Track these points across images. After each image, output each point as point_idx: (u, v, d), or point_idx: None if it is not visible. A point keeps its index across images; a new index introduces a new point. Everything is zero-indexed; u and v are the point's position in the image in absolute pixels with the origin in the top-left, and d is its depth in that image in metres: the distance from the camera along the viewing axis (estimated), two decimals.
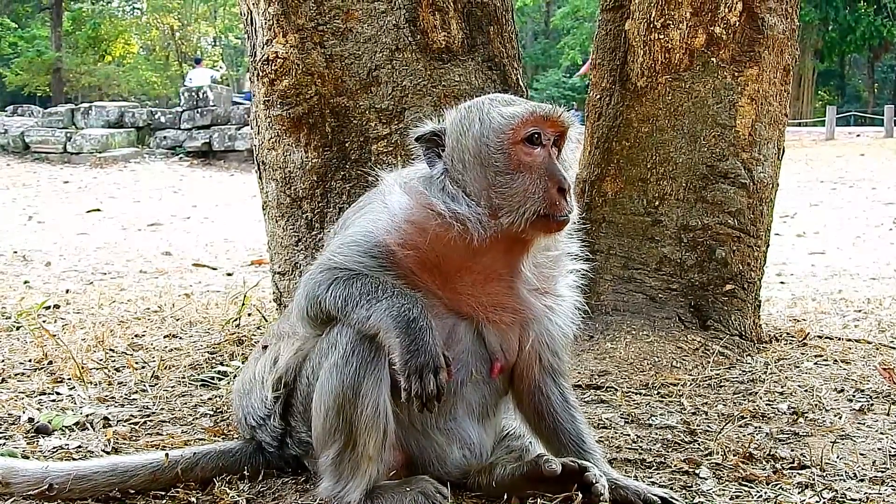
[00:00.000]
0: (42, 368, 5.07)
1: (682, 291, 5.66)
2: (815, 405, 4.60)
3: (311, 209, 5.22)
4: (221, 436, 3.99)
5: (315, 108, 5.12)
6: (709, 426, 4.23)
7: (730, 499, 3.34)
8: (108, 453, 3.74)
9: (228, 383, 4.81)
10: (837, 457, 3.78)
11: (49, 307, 7.03)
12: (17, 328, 6.15)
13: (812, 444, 3.96)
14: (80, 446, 3.81)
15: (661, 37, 5.66)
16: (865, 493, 3.40)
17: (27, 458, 3.60)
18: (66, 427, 4.05)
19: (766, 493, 3.38)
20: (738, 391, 4.87)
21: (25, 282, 9.06)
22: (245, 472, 3.42)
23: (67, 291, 8.28)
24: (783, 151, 5.97)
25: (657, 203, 5.69)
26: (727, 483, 3.49)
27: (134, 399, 4.58)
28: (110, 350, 5.49)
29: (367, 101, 5.08)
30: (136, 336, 5.99)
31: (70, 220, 17.58)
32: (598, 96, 5.98)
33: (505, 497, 3.16)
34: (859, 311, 7.58)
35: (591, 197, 5.84)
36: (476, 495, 3.27)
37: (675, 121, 5.67)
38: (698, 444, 3.97)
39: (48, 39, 56.87)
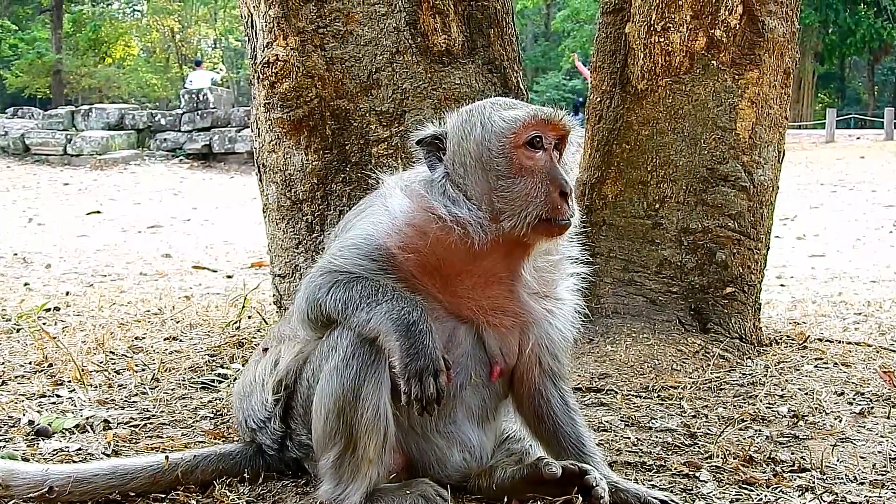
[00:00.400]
0: (42, 371, 5.07)
1: (683, 294, 5.66)
2: (816, 408, 4.60)
3: (311, 212, 5.22)
4: (221, 438, 4.00)
5: (315, 110, 5.12)
6: (709, 429, 4.23)
7: (730, 502, 3.35)
8: (108, 456, 3.74)
9: (229, 386, 4.81)
10: (837, 460, 3.78)
11: (49, 309, 7.03)
12: (18, 330, 6.15)
13: (812, 447, 3.96)
14: (80, 449, 3.82)
15: (662, 40, 5.66)
16: (866, 496, 3.40)
17: (27, 460, 3.60)
18: (66, 429, 4.05)
19: (766, 496, 3.38)
20: (739, 394, 4.87)
21: (25, 284, 9.06)
22: (245, 475, 3.42)
23: (67, 293, 8.28)
24: (783, 154, 5.97)
25: (657, 206, 5.69)
26: (727, 486, 3.49)
27: (134, 401, 4.59)
28: (110, 352, 5.50)
29: (368, 104, 5.09)
30: (136, 338, 5.99)
31: (70, 222, 17.58)
32: (599, 99, 5.99)
33: (505, 500, 3.16)
34: (859, 313, 7.58)
35: (592, 200, 5.84)
36: (476, 498, 3.27)
37: (676, 124, 5.68)
38: (698, 447, 3.97)
39: (48, 41, 56.86)
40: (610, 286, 5.69)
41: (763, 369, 5.35)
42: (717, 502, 3.33)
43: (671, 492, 3.37)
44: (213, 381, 4.98)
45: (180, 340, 6.03)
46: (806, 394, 4.86)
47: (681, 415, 4.48)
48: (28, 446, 3.82)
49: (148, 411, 4.42)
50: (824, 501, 3.33)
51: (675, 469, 3.67)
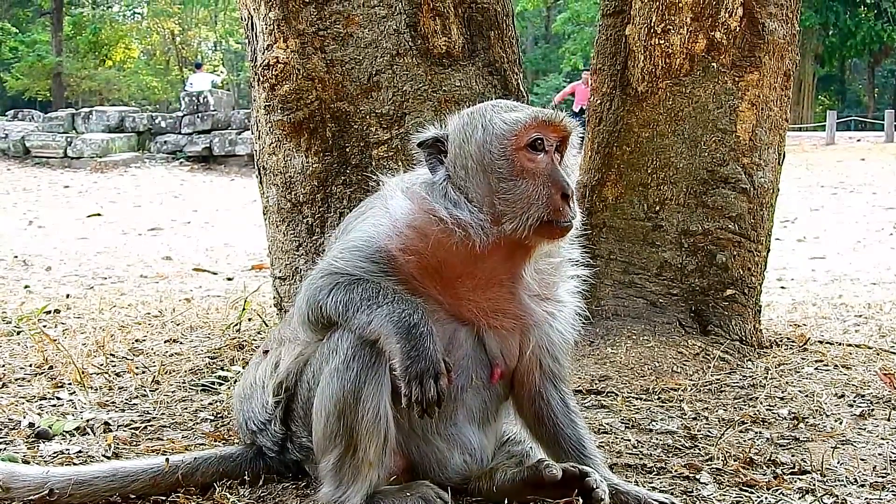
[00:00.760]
0: (42, 373, 5.07)
1: (683, 296, 5.66)
2: (816, 410, 4.60)
3: (311, 214, 5.22)
4: (222, 441, 3.99)
5: (316, 112, 5.12)
6: (709, 431, 4.23)
7: None
8: (108, 458, 3.74)
9: (229, 388, 4.81)
10: (838, 462, 3.78)
11: (49, 312, 7.03)
12: (18, 333, 6.15)
13: (813, 449, 3.96)
14: (80, 451, 3.82)
15: (662, 42, 5.66)
16: (866, 498, 3.40)
17: (28, 462, 3.60)
18: (67, 432, 4.05)
19: (766, 498, 3.38)
20: (739, 396, 4.87)
21: (26, 286, 9.06)
22: (245, 477, 3.42)
23: (68, 296, 8.28)
24: (784, 156, 5.98)
25: (658, 208, 5.69)
26: (728, 488, 3.49)
27: (134, 404, 4.59)
28: (111, 355, 5.50)
29: (368, 106, 5.09)
30: (136, 341, 5.99)
31: (70, 224, 17.59)
32: (599, 101, 5.99)
33: (505, 502, 3.16)
34: (860, 316, 7.58)
35: (592, 202, 5.85)
36: (477, 500, 3.27)
37: (676, 126, 5.68)
38: (699, 449, 3.97)
39: (49, 44, 56.87)
40: (610, 288, 5.69)
41: (763, 371, 5.35)
42: None
43: (671, 494, 3.37)
44: (213, 383, 4.98)
45: (181, 343, 6.03)
46: (806, 396, 4.86)
47: (681, 417, 4.48)
48: (28, 448, 3.82)
49: (148, 413, 4.42)
50: (825, 503, 3.33)
51: (676, 471, 3.67)
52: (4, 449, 3.81)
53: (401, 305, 2.95)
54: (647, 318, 5.61)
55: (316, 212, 5.20)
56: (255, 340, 5.91)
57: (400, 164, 4.86)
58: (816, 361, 5.65)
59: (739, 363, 5.49)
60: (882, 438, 4.15)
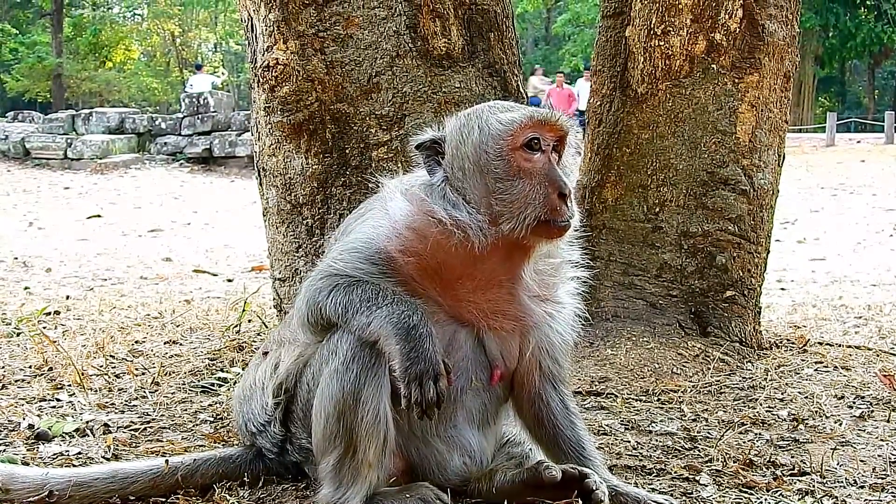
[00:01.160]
0: (42, 375, 5.07)
1: (683, 298, 5.66)
2: (816, 412, 4.60)
3: (311, 215, 5.22)
4: (221, 442, 3.99)
5: (315, 114, 5.12)
6: (709, 433, 4.23)
7: None
8: (108, 460, 3.74)
9: (229, 389, 4.81)
10: (838, 463, 3.78)
11: (49, 313, 7.03)
12: (18, 334, 6.15)
13: (812, 450, 3.96)
14: (80, 453, 3.82)
15: (662, 43, 5.66)
16: (865, 499, 3.40)
17: (27, 464, 3.60)
18: (66, 433, 4.05)
19: (766, 499, 3.38)
20: (739, 398, 4.87)
21: (26, 288, 9.06)
22: (245, 479, 3.43)
23: (68, 297, 8.28)
24: (783, 158, 5.98)
25: (657, 209, 5.69)
26: (727, 490, 3.49)
27: (134, 405, 4.59)
28: (110, 356, 5.49)
29: (368, 108, 5.09)
30: (136, 342, 5.99)
31: (70, 226, 17.59)
32: (599, 103, 5.99)
33: (505, 503, 3.16)
34: (860, 317, 7.58)
35: (592, 203, 5.85)
36: (476, 502, 3.27)
37: (676, 127, 5.68)
38: (699, 450, 3.97)
39: (49, 45, 56.88)
40: (610, 290, 5.69)
41: (763, 373, 5.35)
42: None
43: (671, 495, 3.37)
44: (213, 384, 4.98)
45: (180, 344, 6.02)
46: (806, 397, 4.86)
47: (681, 418, 4.48)
48: (28, 450, 3.82)
49: (148, 415, 4.42)
50: None
51: (676, 473, 3.67)
52: (4, 450, 3.81)
53: (400, 307, 2.95)
54: (646, 320, 5.61)
55: (316, 213, 5.21)
56: (255, 342, 5.91)
57: (400, 165, 4.87)
58: (816, 363, 5.65)
59: (739, 365, 5.49)
60: (882, 440, 4.15)
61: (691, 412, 4.58)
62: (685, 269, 5.65)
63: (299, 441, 3.35)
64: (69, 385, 4.82)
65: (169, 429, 4.23)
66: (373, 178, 3.57)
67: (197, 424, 4.30)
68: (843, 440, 4.14)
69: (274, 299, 5.74)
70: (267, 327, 6.20)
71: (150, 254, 13.18)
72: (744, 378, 5.25)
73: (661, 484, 3.56)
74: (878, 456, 3.91)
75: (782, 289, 9.84)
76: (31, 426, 4.08)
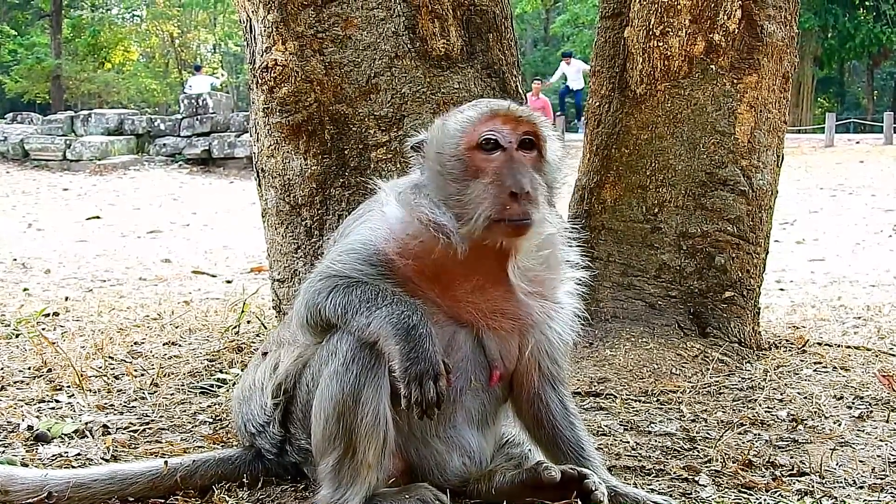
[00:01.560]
0: (41, 376, 5.07)
1: (682, 298, 5.66)
2: (815, 412, 4.60)
3: (310, 216, 5.22)
4: (221, 443, 3.99)
5: (314, 115, 5.12)
6: (708, 433, 4.23)
7: None
8: (107, 461, 3.73)
9: (228, 391, 4.81)
10: (837, 464, 3.78)
11: (48, 315, 7.03)
12: (17, 336, 6.15)
13: (811, 451, 3.96)
14: (79, 454, 3.81)
15: (661, 44, 5.67)
16: (865, 500, 3.40)
17: (26, 465, 3.60)
18: (65, 435, 4.05)
19: (765, 500, 3.38)
20: (738, 398, 4.87)
21: (25, 289, 9.06)
22: (244, 480, 3.42)
23: (67, 299, 8.28)
24: (782, 158, 5.98)
25: (656, 210, 5.69)
26: (726, 490, 3.49)
27: (133, 407, 4.58)
28: (109, 357, 5.49)
29: (367, 109, 5.09)
30: (135, 343, 5.99)
31: (69, 227, 17.59)
32: (598, 103, 5.99)
33: None
34: (859, 317, 7.59)
35: (591, 204, 5.85)
36: (476, 502, 3.26)
37: (675, 128, 5.68)
38: (697, 451, 3.97)
39: (48, 47, 56.83)
40: (609, 290, 5.69)
41: (762, 373, 5.35)
42: None
43: (670, 496, 3.37)
44: (212, 385, 4.97)
45: (179, 345, 6.02)
46: (805, 398, 4.86)
47: (680, 419, 4.48)
48: (27, 451, 3.82)
49: (147, 416, 4.42)
50: None
51: (675, 473, 3.67)
52: (3, 452, 3.81)
53: (400, 307, 2.95)
54: (645, 321, 5.61)
55: (315, 214, 5.21)
56: (254, 343, 5.91)
57: (399, 166, 4.87)
58: (815, 363, 5.65)
59: (738, 365, 5.49)
60: (881, 440, 4.15)
61: (690, 413, 4.58)
62: (684, 270, 5.66)
63: (298, 442, 3.35)
64: (68, 386, 4.82)
65: (168, 430, 4.22)
66: (371, 179, 3.57)
67: (196, 425, 4.30)
68: (843, 440, 4.14)
69: (273, 300, 5.74)
70: (266, 328, 6.20)
71: (149, 255, 13.18)
72: (743, 379, 5.25)
73: (660, 484, 3.56)
74: (878, 456, 3.92)
75: (781, 289, 9.84)
76: (30, 427, 4.08)
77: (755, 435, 4.22)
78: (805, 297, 9.16)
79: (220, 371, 5.26)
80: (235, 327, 6.40)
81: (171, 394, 4.82)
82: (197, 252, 13.88)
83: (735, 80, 5.65)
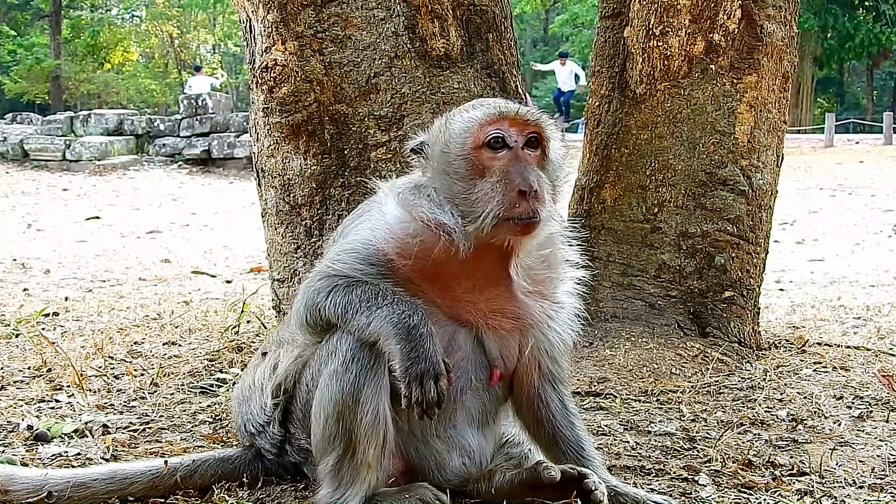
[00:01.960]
0: (41, 376, 5.07)
1: (682, 298, 5.66)
2: (815, 412, 4.60)
3: (310, 216, 5.22)
4: (220, 443, 3.99)
5: (314, 115, 5.12)
6: (708, 433, 4.23)
7: None
8: (107, 461, 3.74)
9: (227, 390, 4.81)
10: (836, 464, 3.78)
11: (48, 315, 7.03)
12: (17, 336, 6.15)
13: (811, 450, 3.96)
14: (79, 453, 3.82)
15: (660, 44, 5.67)
16: (864, 500, 3.40)
17: (26, 465, 3.60)
18: (65, 434, 4.05)
19: (765, 499, 3.38)
20: (738, 398, 4.87)
21: (24, 289, 9.06)
22: (244, 479, 3.42)
23: (66, 299, 8.28)
24: (782, 158, 5.98)
25: (656, 210, 5.69)
26: (726, 490, 3.49)
27: (133, 406, 4.58)
28: (109, 357, 5.49)
29: (366, 109, 5.09)
30: (135, 343, 5.99)
31: (69, 227, 17.58)
32: (598, 103, 5.99)
33: None
34: (858, 318, 7.59)
35: (591, 204, 5.85)
36: (475, 502, 3.26)
37: (674, 128, 5.68)
38: (697, 450, 3.97)
39: (47, 47, 56.83)
40: (609, 290, 5.69)
41: (762, 373, 5.35)
42: None
43: (670, 496, 3.37)
44: (211, 385, 4.97)
45: (179, 345, 6.02)
46: (805, 398, 4.86)
47: (680, 419, 4.48)
48: (27, 451, 3.82)
49: (147, 416, 4.42)
50: None
51: (674, 473, 3.67)
52: (3, 451, 3.81)
53: (400, 307, 2.95)
54: (645, 320, 5.61)
55: (314, 214, 5.21)
56: (254, 343, 5.91)
57: (398, 166, 4.87)
58: (815, 363, 5.65)
59: (738, 365, 5.49)
60: (880, 440, 4.15)
61: (690, 412, 4.58)
62: (684, 270, 5.66)
63: (298, 442, 3.35)
64: (68, 386, 4.82)
65: (168, 429, 4.22)
66: (371, 179, 3.57)
67: (196, 425, 4.30)
68: (842, 440, 4.14)
69: (273, 300, 5.74)
70: (266, 328, 6.20)
71: (149, 255, 13.17)
72: (743, 378, 5.25)
73: (659, 484, 3.56)
74: (877, 456, 3.91)
75: (781, 289, 9.84)
76: (30, 427, 4.08)
77: (755, 435, 4.22)
78: (805, 297, 9.16)
79: (220, 371, 5.26)
80: (235, 327, 6.40)
81: (171, 393, 4.82)
82: (197, 252, 13.88)
83: (735, 80, 5.65)
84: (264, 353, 3.55)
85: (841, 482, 3.58)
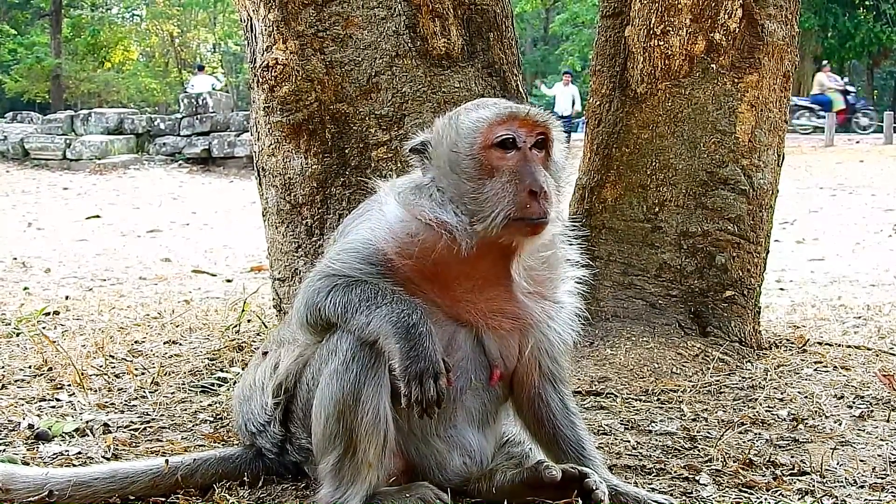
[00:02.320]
0: (42, 375, 5.07)
1: (682, 298, 5.66)
2: (815, 411, 4.60)
3: (310, 215, 5.22)
4: (221, 442, 4.00)
5: (315, 114, 5.12)
6: (709, 432, 4.23)
7: None
8: (107, 459, 3.74)
9: (228, 389, 4.81)
10: (837, 463, 3.78)
11: (49, 313, 7.03)
12: (17, 334, 6.15)
13: (812, 450, 3.96)
14: (79, 452, 3.82)
15: (661, 43, 5.66)
16: (865, 499, 3.40)
17: (27, 464, 3.60)
18: (66, 433, 4.05)
19: (766, 499, 3.38)
20: (738, 397, 4.87)
21: (25, 288, 9.06)
22: (245, 479, 3.43)
23: (67, 298, 8.28)
24: (783, 158, 5.98)
25: (657, 209, 5.69)
26: (727, 489, 3.49)
27: (134, 405, 4.59)
28: (110, 356, 5.49)
29: (367, 108, 5.09)
30: (135, 342, 5.99)
31: (69, 226, 17.58)
32: (598, 103, 5.99)
33: (505, 503, 3.16)
34: (859, 317, 7.58)
35: (591, 203, 5.84)
36: (476, 502, 3.27)
37: (675, 127, 5.68)
38: (698, 450, 3.97)
39: (47, 46, 56.77)
40: (610, 290, 5.69)
41: (763, 373, 5.35)
42: None
43: (671, 495, 3.37)
44: (212, 384, 4.98)
45: (180, 344, 6.03)
46: (806, 397, 4.86)
47: (680, 418, 4.48)
48: (28, 450, 3.82)
49: (148, 415, 4.42)
50: None
51: (675, 472, 3.67)
52: (4, 450, 3.81)
53: (399, 306, 2.95)
54: (646, 320, 5.61)
55: (315, 213, 5.21)
56: (255, 342, 5.91)
57: (399, 165, 4.87)
58: (816, 363, 5.65)
59: (739, 364, 5.49)
60: (881, 440, 4.15)
61: (691, 412, 4.58)
62: (685, 269, 5.66)
63: (299, 441, 3.35)
64: (69, 385, 4.82)
65: (169, 429, 4.23)
66: (372, 178, 3.57)
67: (197, 424, 4.30)
68: (843, 440, 4.14)
69: (273, 299, 5.74)
70: (266, 327, 6.20)
71: (149, 254, 13.17)
72: (743, 378, 5.25)
73: (660, 483, 3.56)
74: (878, 456, 3.91)
75: (781, 289, 9.84)
76: (30, 426, 4.08)
77: (756, 434, 4.22)
78: (805, 296, 9.15)
79: (221, 370, 5.26)
80: (236, 326, 6.41)
81: (172, 392, 4.83)
82: (197, 251, 13.88)
83: (736, 80, 5.65)
84: (265, 353, 3.55)
85: (842, 481, 3.58)
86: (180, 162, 29.66)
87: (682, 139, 5.67)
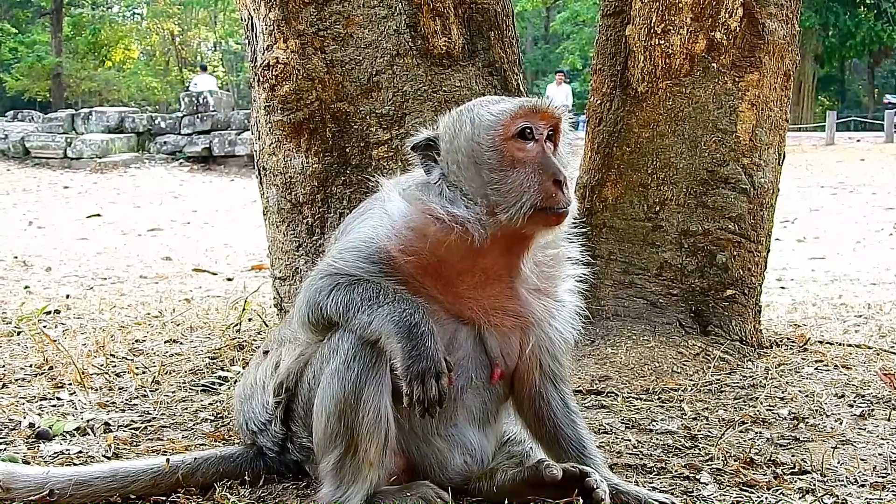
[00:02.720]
0: (43, 374, 5.07)
1: (683, 297, 5.66)
2: (816, 410, 4.60)
3: (311, 214, 5.22)
4: (222, 441, 4.00)
5: (316, 113, 5.12)
6: (710, 431, 4.23)
7: None
8: (108, 458, 3.74)
9: (229, 388, 4.81)
10: (838, 462, 3.78)
11: (49, 312, 7.04)
12: (18, 333, 6.15)
13: (813, 449, 3.96)
14: (80, 451, 3.82)
15: (662, 42, 5.66)
16: (866, 498, 3.40)
17: (28, 463, 3.61)
18: (67, 432, 4.05)
19: (766, 498, 3.38)
20: (739, 396, 4.87)
21: (26, 287, 9.06)
22: (246, 478, 3.43)
23: (68, 297, 8.28)
24: (784, 156, 5.97)
25: (658, 208, 5.69)
26: (728, 488, 3.49)
27: (135, 404, 4.59)
28: (111, 355, 5.50)
29: (368, 107, 5.09)
30: (136, 341, 5.99)
31: (70, 225, 17.59)
32: (599, 101, 5.99)
33: (506, 502, 3.16)
34: (860, 316, 7.58)
35: (592, 202, 5.84)
36: (477, 501, 3.27)
37: (676, 126, 5.68)
38: (699, 449, 3.97)
39: (48, 45, 56.86)
40: (610, 288, 5.69)
41: (763, 372, 5.35)
42: None
43: (672, 494, 3.37)
44: (213, 383, 4.98)
45: (181, 343, 6.03)
46: (806, 396, 4.86)
47: (681, 417, 4.48)
48: (29, 449, 3.82)
49: (148, 414, 4.43)
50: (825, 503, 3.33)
51: (676, 471, 3.67)
52: (5, 449, 3.81)
53: (401, 305, 2.95)
54: (647, 319, 5.60)
55: (316, 212, 5.20)
56: (256, 341, 5.91)
57: (400, 164, 4.86)
58: (816, 361, 5.65)
59: (739, 363, 5.49)
60: (882, 438, 4.15)
61: (692, 411, 4.58)
62: (685, 268, 5.65)
63: (300, 440, 3.35)
64: (70, 384, 4.82)
65: (169, 427, 4.23)
66: (373, 177, 3.57)
67: (197, 423, 4.30)
68: (844, 439, 4.14)
69: (274, 298, 5.74)
70: (267, 326, 6.20)
71: (150, 253, 13.18)
72: (744, 377, 5.25)
73: (661, 482, 3.56)
74: (879, 454, 3.91)
75: (782, 287, 9.84)
76: (31, 425, 4.08)
77: (756, 433, 4.22)
78: (806, 295, 9.15)
79: (222, 369, 5.27)
80: (237, 325, 6.41)
81: (173, 391, 4.83)
82: (198, 250, 13.88)
83: (736, 78, 5.65)
84: (266, 352, 3.55)
85: (843, 480, 3.58)
86: (181, 161, 29.68)
87: (683, 138, 5.67)
